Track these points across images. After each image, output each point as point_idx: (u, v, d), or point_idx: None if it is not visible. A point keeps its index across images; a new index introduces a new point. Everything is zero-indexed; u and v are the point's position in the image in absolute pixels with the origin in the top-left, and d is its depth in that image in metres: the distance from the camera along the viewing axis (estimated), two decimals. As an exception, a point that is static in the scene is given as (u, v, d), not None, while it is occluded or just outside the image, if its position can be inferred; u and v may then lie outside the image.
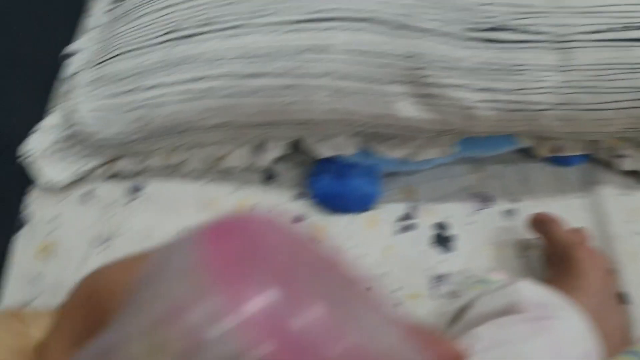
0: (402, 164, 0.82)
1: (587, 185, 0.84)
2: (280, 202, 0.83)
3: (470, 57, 0.73)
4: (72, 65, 0.87)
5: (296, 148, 0.85)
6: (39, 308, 0.52)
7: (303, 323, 0.16)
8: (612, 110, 0.73)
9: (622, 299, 0.71)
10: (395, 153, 0.80)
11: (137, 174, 0.85)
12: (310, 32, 0.74)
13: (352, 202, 0.83)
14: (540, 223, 0.76)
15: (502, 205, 0.84)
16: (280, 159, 0.85)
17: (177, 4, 0.81)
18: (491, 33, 0.73)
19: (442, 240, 0.81)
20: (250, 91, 0.75)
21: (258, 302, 0.16)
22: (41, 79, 0.89)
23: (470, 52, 0.73)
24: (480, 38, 0.73)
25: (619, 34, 0.72)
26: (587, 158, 0.85)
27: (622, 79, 0.72)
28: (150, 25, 0.81)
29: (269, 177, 0.86)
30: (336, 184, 0.83)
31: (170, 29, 0.79)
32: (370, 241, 0.80)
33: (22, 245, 0.78)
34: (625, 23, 0.73)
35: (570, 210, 0.80)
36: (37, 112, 0.85)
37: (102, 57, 0.83)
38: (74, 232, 0.79)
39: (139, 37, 0.81)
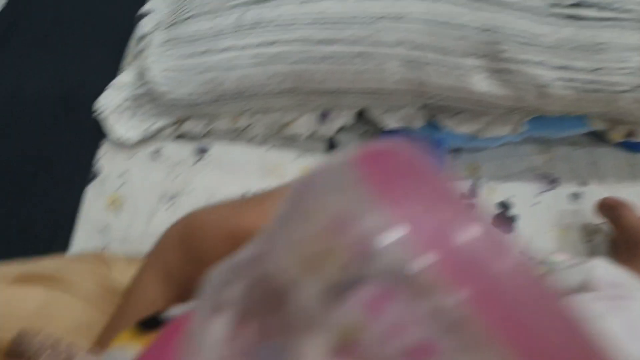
0: (469, 140, 0.81)
1: (659, 173, 0.82)
2: (342, 172, 0.84)
3: (550, 33, 0.71)
4: (145, 25, 0.88)
5: (361, 118, 0.84)
6: (119, 254, 0.54)
7: (467, 239, 0.16)
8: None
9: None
10: (463, 128, 0.79)
11: (203, 136, 0.86)
12: (386, 0, 0.73)
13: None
14: (610, 208, 0.74)
15: (568, 188, 0.82)
16: (344, 129, 0.85)
17: (253, -33, 0.82)
18: (574, 9, 0.71)
19: (504, 219, 0.80)
20: (322, 57, 0.75)
21: (422, 216, 0.16)
22: (115, 38, 0.91)
23: (550, 28, 0.71)
24: (562, 14, 0.71)
25: None
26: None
27: None
28: (224, -12, 0.82)
29: (331, 146, 0.87)
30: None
31: (245, -8, 0.80)
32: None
33: (93, 197, 0.80)
34: None
35: (640, 198, 0.78)
36: (111, 69, 0.87)
37: (175, 19, 0.85)
38: (142, 188, 0.82)
39: (213, -1, 0.82)
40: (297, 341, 0.16)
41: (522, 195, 0.81)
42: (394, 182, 0.17)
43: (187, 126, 0.85)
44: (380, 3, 0.73)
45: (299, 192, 0.19)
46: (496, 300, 0.15)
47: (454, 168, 0.84)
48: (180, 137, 0.86)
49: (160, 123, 0.85)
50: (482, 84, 0.73)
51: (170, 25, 0.85)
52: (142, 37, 0.87)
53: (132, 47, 0.89)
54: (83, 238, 0.77)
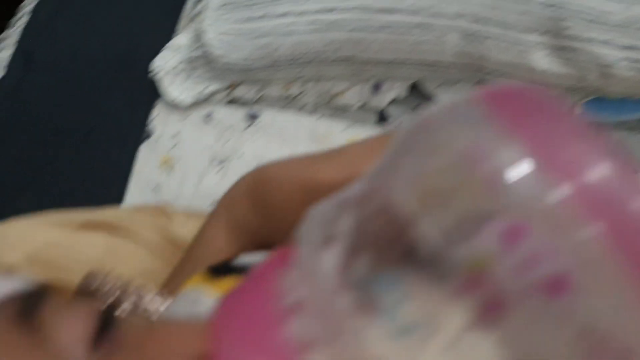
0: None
1: None
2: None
3: (619, 11, 0.69)
4: (202, -11, 0.89)
5: (413, 91, 0.84)
6: (180, 209, 0.55)
7: (603, 175, 0.16)
8: None
9: None
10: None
11: (254, 102, 0.87)
12: (449, -29, 0.72)
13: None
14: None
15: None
16: (396, 101, 0.84)
17: None
18: (647, -14, 0.69)
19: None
20: (380, 27, 0.74)
21: (556, 151, 0.16)
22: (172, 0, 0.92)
23: (619, 6, 0.69)
24: (633, -9, 0.69)
25: None
26: None
27: None
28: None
29: (382, 118, 0.86)
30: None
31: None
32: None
33: (146, 156, 0.82)
34: None
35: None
36: (167, 31, 0.88)
37: (233, -18, 0.85)
38: (193, 150, 0.83)
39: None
40: (417, 273, 0.16)
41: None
42: (526, 117, 0.17)
43: (239, 91, 0.86)
44: (443, -27, 0.72)
45: (419, 129, 0.19)
46: (632, 238, 0.15)
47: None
48: (232, 102, 0.87)
49: (213, 87, 0.85)
50: (542, 61, 0.71)
51: (227, -11, 0.85)
52: (199, 0, 0.87)
53: (189, 9, 0.89)
54: (136, 196, 0.78)
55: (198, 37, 0.84)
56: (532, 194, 0.16)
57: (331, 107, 0.86)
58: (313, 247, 0.18)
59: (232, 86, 0.86)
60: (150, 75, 0.84)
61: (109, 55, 0.90)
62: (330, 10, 0.76)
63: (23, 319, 0.23)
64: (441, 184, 0.17)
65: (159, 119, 0.85)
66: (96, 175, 0.81)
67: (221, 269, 0.36)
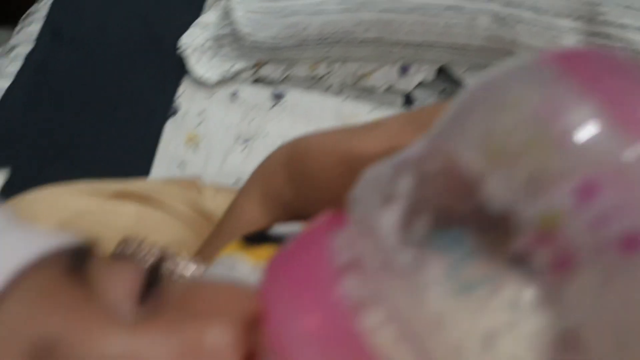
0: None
1: None
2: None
3: (657, -3, 0.67)
4: (231, -34, 0.88)
5: (440, 75, 0.83)
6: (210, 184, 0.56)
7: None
8: None
9: None
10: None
11: (280, 81, 0.87)
12: (483, -47, 0.71)
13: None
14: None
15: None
16: (422, 85, 0.84)
17: None
18: (686, -28, 0.67)
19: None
20: (411, 8, 0.74)
21: (631, 109, 0.16)
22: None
23: (656, -8, 0.68)
24: (671, -23, 0.68)
25: None
26: None
27: None
28: None
29: (408, 101, 0.86)
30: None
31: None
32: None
33: (172, 132, 0.82)
34: None
35: None
36: (195, 8, 0.88)
37: (263, -39, 0.84)
38: (218, 128, 0.83)
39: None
40: (480, 232, 0.16)
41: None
42: (599, 76, 0.17)
43: (265, 70, 0.86)
44: (477, -45, 0.71)
45: (487, 87, 0.19)
46: None
47: None
48: (258, 81, 0.87)
49: (239, 65, 0.85)
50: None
51: (256, -33, 0.84)
52: (228, -22, 0.87)
53: (218, -13, 0.89)
54: (161, 172, 0.79)
55: (226, 15, 0.83)
56: (608, 151, 0.16)
57: (357, 89, 0.86)
58: (371, 206, 0.18)
59: (259, 65, 0.86)
60: (177, 52, 0.84)
61: (136, 31, 0.90)
62: (361, -10, 0.75)
63: (73, 273, 0.24)
64: (512, 141, 0.17)
65: (185, 96, 0.85)
66: (122, 150, 0.81)
67: (256, 238, 0.36)
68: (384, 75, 0.82)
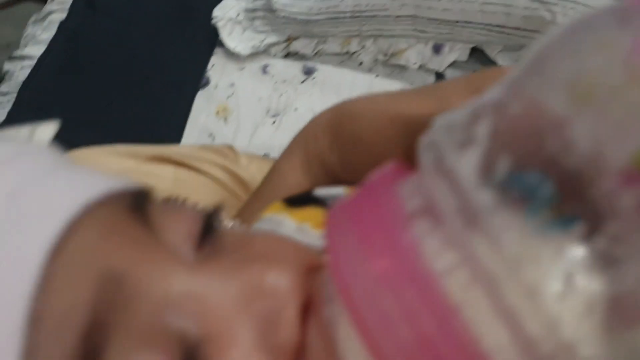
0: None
1: None
2: (447, 108, 0.82)
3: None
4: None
5: (472, 56, 0.82)
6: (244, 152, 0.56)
7: None
8: None
9: None
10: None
11: (311, 56, 0.86)
12: None
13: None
14: None
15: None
16: (455, 64, 0.83)
17: None
18: None
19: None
20: (448, -15, 0.73)
21: None
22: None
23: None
24: None
25: None
26: None
27: None
28: None
29: (439, 80, 0.85)
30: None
31: None
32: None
33: (202, 103, 0.83)
34: None
35: None
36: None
37: None
38: (249, 100, 0.83)
39: None
40: (561, 176, 0.16)
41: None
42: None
43: (297, 45, 0.86)
44: None
45: (569, 31, 0.19)
46: None
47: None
48: (289, 55, 0.87)
49: (271, 39, 0.85)
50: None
51: (292, -59, 0.84)
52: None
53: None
54: (191, 141, 0.79)
55: (260, -12, 0.83)
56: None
57: (389, 66, 0.85)
58: (448, 149, 0.18)
59: (290, 39, 0.86)
60: (210, 24, 0.84)
61: (169, 2, 0.90)
62: (398, -35, 0.75)
63: (137, 213, 0.24)
64: (603, 82, 0.17)
65: (217, 68, 0.85)
66: (152, 120, 0.82)
67: (300, 200, 0.36)
68: (417, 54, 0.82)
